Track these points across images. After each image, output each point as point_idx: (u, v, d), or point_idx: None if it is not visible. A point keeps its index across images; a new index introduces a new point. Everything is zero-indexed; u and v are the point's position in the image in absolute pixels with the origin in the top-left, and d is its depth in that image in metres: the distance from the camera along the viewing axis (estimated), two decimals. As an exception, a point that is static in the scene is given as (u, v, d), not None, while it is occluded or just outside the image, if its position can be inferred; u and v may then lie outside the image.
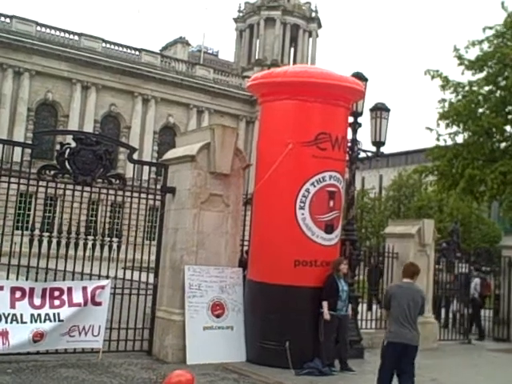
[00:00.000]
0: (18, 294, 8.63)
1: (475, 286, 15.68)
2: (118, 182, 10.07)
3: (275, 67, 15.15)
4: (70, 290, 8.96)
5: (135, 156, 11.16)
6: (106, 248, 9.99)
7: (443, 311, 15.46)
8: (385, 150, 13.18)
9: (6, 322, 8.42)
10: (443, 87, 19.81)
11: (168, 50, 62.43)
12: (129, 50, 53.35)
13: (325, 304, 9.52)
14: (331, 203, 10.08)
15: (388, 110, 12.77)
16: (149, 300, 10.08)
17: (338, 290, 9.68)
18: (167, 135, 52.30)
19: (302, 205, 9.85)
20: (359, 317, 11.95)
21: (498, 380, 9.15)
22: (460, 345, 14.28)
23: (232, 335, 9.84)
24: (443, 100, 19.82)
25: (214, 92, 55.29)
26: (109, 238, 10.09)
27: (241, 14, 67.56)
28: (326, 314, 9.46)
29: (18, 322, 8.50)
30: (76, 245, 9.67)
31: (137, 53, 53.36)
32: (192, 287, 9.71)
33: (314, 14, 66.18)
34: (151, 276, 10.38)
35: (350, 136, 11.69)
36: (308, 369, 9.17)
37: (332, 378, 9.10)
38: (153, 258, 10.45)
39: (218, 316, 9.83)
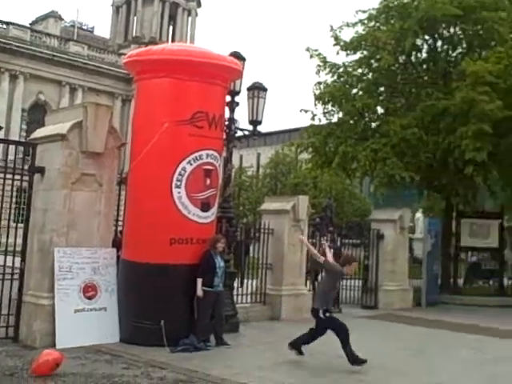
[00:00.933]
0: None
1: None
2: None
3: (153, 45, 14.86)
4: None
5: (1, 135, 10.60)
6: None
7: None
8: (262, 128, 13.42)
9: None
10: (320, 67, 20.35)
11: (39, 25, 59.31)
12: (-5, 24, 50.19)
13: (199, 281, 9.58)
14: (208, 181, 10.11)
15: (265, 90, 12.96)
16: (15, 285, 9.62)
17: (214, 267, 9.78)
18: (37, 113, 49.60)
19: (179, 183, 9.81)
20: (234, 292, 12.16)
21: (363, 343, 9.61)
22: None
23: (105, 316, 9.64)
24: (319, 83, 20.39)
25: (88, 69, 53.35)
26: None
27: (117, -11, 65.45)
28: (199, 291, 9.53)
29: None
30: None
31: (4, 26, 50.28)
32: (62, 269, 9.37)
33: (192, -7, 65.46)
34: (17, 260, 9.90)
35: (227, 115, 11.75)
36: (183, 345, 9.19)
37: (207, 353, 9.19)
38: (19, 241, 9.97)
39: (90, 298, 9.58)
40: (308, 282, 15.13)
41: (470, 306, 17.77)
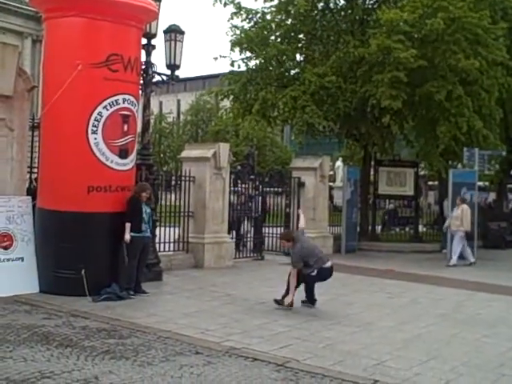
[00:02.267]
0: None
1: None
2: None
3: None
4: None
5: None
6: None
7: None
8: (182, 74, 13.09)
9: None
10: (235, 14, 19.94)
11: None
12: None
13: (127, 225, 9.43)
14: (125, 127, 9.80)
15: (182, 33, 12.58)
16: None
17: (141, 213, 9.67)
18: None
19: (95, 129, 9.45)
20: (157, 240, 12.03)
21: (282, 288, 9.78)
22: (254, 261, 15.09)
23: (22, 266, 9.36)
24: (235, 27, 19.97)
25: (-7, 6, 50.22)
26: None
27: None
28: (127, 235, 9.38)
29: None
30: None
31: None
32: (-26, 219, 8.99)
33: None
34: None
35: (143, 58, 11.35)
36: (105, 294, 9.05)
37: (130, 302, 9.10)
38: None
39: (5, 248, 9.27)
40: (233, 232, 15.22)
41: (388, 253, 18.43)
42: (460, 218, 16.49)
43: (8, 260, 9.26)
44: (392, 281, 12.94)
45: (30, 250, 9.55)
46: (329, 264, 9.34)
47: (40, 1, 10.29)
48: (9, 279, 9.10)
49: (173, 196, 14.84)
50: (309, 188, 17.18)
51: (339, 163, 35.19)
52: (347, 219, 18.75)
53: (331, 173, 21.73)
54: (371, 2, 20.84)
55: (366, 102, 18.10)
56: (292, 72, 20.97)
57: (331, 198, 23.22)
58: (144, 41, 11.29)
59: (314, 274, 9.11)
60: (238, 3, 19.84)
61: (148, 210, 9.90)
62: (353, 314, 9.18)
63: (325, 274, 9.27)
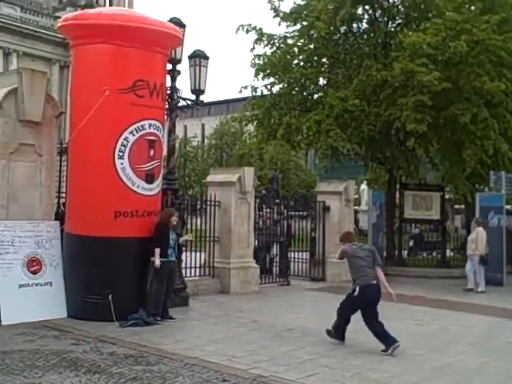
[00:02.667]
0: None
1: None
2: None
3: (89, 8, 14.31)
4: None
5: None
6: None
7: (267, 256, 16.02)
8: (206, 98, 13.17)
9: None
10: (258, 40, 20.10)
11: (-35, -15, 56.39)
12: None
13: (157, 251, 9.45)
14: (151, 152, 9.88)
15: (207, 58, 12.68)
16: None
17: (168, 238, 9.70)
18: (-31, 80, 47.76)
19: (121, 154, 9.53)
20: (183, 265, 12.02)
21: (314, 316, 9.73)
22: (280, 286, 14.98)
23: (51, 291, 9.41)
24: (258, 55, 20.13)
25: (22, 33, 51.22)
26: None
27: (48, -51, 62.76)
28: (157, 260, 9.39)
29: None
30: None
31: None
32: (4, 243, 9.08)
33: (130, -45, 63.52)
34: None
35: (169, 84, 11.46)
36: (132, 320, 9.05)
37: (157, 328, 9.08)
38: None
39: (34, 272, 9.33)
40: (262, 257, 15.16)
41: (415, 278, 18.16)
42: (475, 241, 16.10)
43: (37, 285, 9.31)
44: (420, 307, 12.72)
45: (59, 275, 9.60)
46: (373, 282, 8.38)
47: (68, 28, 10.42)
48: (38, 304, 9.13)
49: (198, 220, 14.83)
50: (334, 212, 17.06)
51: (364, 186, 34.99)
52: (373, 244, 18.54)
53: (356, 196, 21.59)
54: (393, 25, 20.88)
55: (390, 125, 18.03)
56: (315, 96, 21.02)
57: (356, 221, 23.10)
58: (169, 66, 11.40)
59: (356, 293, 8.35)
60: (260, 29, 20.00)
61: (174, 236, 9.92)
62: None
63: (368, 293, 8.32)
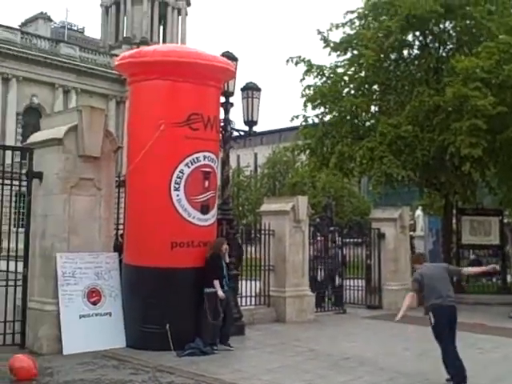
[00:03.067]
0: None
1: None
2: (-22, 168, 9.40)
3: (144, 45, 14.82)
4: None
5: (-3, 140, 10.49)
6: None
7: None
8: (258, 128, 13.33)
9: None
10: (307, 72, 20.27)
11: (28, 26, 58.94)
12: (-17, 26, 49.89)
13: (216, 283, 9.61)
14: (206, 183, 10.06)
15: (259, 90, 12.87)
16: (18, 291, 9.54)
17: (222, 269, 9.84)
18: (32, 117, 49.48)
19: (177, 186, 9.75)
20: (239, 294, 12.09)
21: (372, 345, 9.60)
22: (336, 315, 14.85)
23: (110, 321, 9.60)
24: (308, 86, 20.29)
25: (80, 71, 53.17)
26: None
27: (106, -10, 65.16)
28: (219, 291, 9.53)
29: None
30: None
31: (-7, 29, 50.04)
32: (65, 275, 9.34)
33: (182, -8, 65.33)
34: (20, 265, 9.82)
35: (222, 116, 11.67)
36: (189, 349, 9.15)
37: (214, 357, 9.15)
38: (21, 246, 9.90)
39: (94, 303, 9.55)
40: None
41: (474, 305, 17.66)
42: None
43: (97, 315, 9.52)
44: (482, 335, 12.37)
45: (118, 305, 9.79)
46: (445, 302, 7.89)
47: (125, 66, 10.78)
48: (97, 334, 9.34)
49: (252, 249, 14.91)
50: (389, 239, 16.88)
51: (419, 212, 34.38)
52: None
53: (411, 222, 21.27)
54: (445, 50, 20.72)
55: (444, 150, 17.79)
56: (367, 123, 20.97)
57: (412, 248, 22.70)
58: (222, 99, 11.61)
59: (432, 322, 7.93)
60: (309, 61, 20.16)
61: (225, 265, 10.03)
62: (442, 370, 8.81)
63: (441, 314, 7.86)
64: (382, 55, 19.63)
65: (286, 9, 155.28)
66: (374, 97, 20.90)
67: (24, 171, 10.16)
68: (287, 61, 20.25)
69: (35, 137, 10.52)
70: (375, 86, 20.92)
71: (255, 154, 71.96)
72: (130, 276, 9.89)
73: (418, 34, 20.42)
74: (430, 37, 20.46)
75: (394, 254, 16.78)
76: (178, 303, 9.45)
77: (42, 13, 61.21)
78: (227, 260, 10.44)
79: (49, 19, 61.30)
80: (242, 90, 12.74)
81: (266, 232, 13.57)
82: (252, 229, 15.01)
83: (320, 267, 15.01)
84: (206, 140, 10.13)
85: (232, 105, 12.22)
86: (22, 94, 49.84)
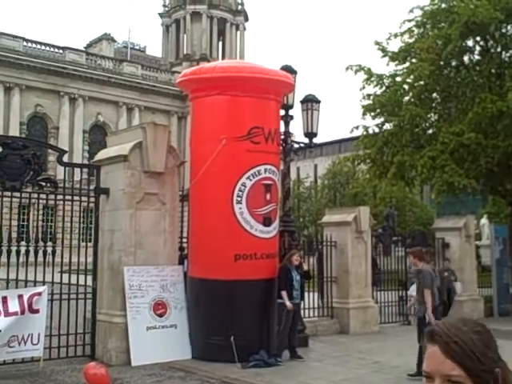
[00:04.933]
0: (-50, 307, 8.30)
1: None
2: (48, 185, 9.81)
3: (204, 61, 15.16)
4: (4, 299, 8.68)
5: (65, 156, 10.91)
6: (41, 253, 9.73)
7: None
8: (318, 139, 13.38)
9: None
10: (367, 80, 20.17)
11: (93, 48, 61.11)
12: (52, 49, 51.98)
13: (284, 294, 9.72)
14: (268, 196, 10.15)
15: (318, 102, 12.92)
16: (88, 304, 9.88)
17: (292, 280, 9.92)
18: (97, 134, 51.30)
19: (239, 199, 9.88)
20: (302, 305, 12.09)
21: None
22: (400, 326, 14.65)
23: (176, 333, 9.79)
24: (367, 95, 20.19)
25: (143, 88, 54.59)
26: (43, 243, 9.83)
27: (166, 9, 66.80)
28: (287, 302, 9.61)
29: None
30: (8, 252, 9.35)
31: (60, 51, 52.05)
32: (132, 288, 9.60)
33: (240, 7, 66.26)
34: (89, 278, 10.17)
35: (282, 129, 11.77)
36: (254, 361, 9.23)
37: (278, 369, 9.19)
38: (90, 260, 10.24)
39: (160, 315, 9.76)
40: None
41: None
42: None
43: (163, 327, 9.72)
44: None
45: (183, 318, 9.98)
46: None
47: (187, 83, 11.02)
48: (164, 345, 9.54)
49: (314, 260, 14.89)
50: (454, 248, 16.57)
51: (484, 220, 33.53)
52: (498, 280, 17.76)
53: (476, 231, 20.78)
54: (507, 54, 20.23)
55: (510, 156, 17.37)
56: (428, 131, 20.67)
57: (478, 257, 22.14)
58: (282, 112, 11.71)
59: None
60: (369, 69, 20.07)
61: (298, 278, 10.11)
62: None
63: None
64: (441, 62, 19.35)
65: (342, 20, 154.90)
66: (434, 105, 20.59)
67: (91, 187, 10.52)
68: (347, 68, 20.22)
69: (102, 154, 10.88)
70: (435, 94, 20.63)
71: (315, 166, 71.73)
72: (195, 288, 10.06)
73: (478, 39, 20.05)
74: (491, 42, 20.04)
75: (459, 263, 16.44)
76: (241, 315, 9.55)
77: (105, 34, 63.32)
78: (304, 268, 10.52)
79: (112, 40, 63.31)
80: (302, 102, 12.82)
81: (328, 243, 13.56)
82: (313, 240, 14.98)
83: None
84: (267, 153, 10.23)
85: (292, 117, 12.31)
86: (87, 113, 51.59)
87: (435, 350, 1.53)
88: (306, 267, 10.73)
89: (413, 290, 14.24)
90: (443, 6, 20.06)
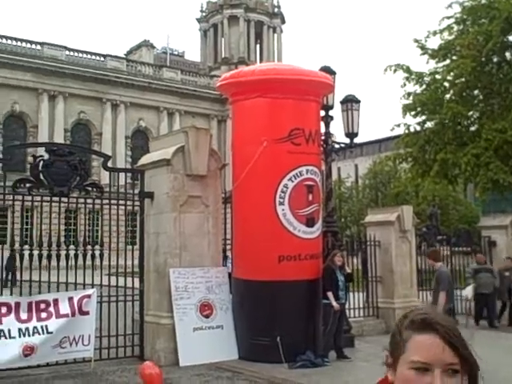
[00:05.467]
0: (3, 310, 8.58)
1: None
2: (94, 190, 10.04)
3: (242, 65, 15.27)
4: (56, 301, 8.94)
5: (109, 162, 11.13)
6: (89, 256, 9.97)
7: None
8: (358, 139, 13.34)
9: (-5, 338, 8.39)
10: (407, 79, 20.01)
11: (133, 54, 62.06)
12: (93, 57, 52.99)
13: (330, 294, 9.79)
14: (310, 197, 10.15)
15: (358, 102, 12.87)
16: (136, 305, 10.07)
17: (337, 281, 9.99)
18: (139, 139, 52.07)
19: (282, 200, 9.91)
20: (347, 306, 12.06)
21: (488, 357, 9.21)
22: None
23: (222, 334, 9.90)
24: (408, 94, 20.03)
25: (183, 93, 55.14)
26: (90, 246, 10.07)
27: (203, 14, 67.36)
28: (334, 302, 9.69)
29: (6, 338, 8.45)
30: (58, 256, 9.62)
31: (102, 59, 53.01)
32: (178, 289, 9.74)
33: (276, 10, 66.32)
34: (135, 280, 10.36)
35: (323, 129, 11.77)
36: (301, 361, 9.24)
37: (325, 369, 9.19)
38: (135, 262, 10.42)
39: (206, 316, 9.88)
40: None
41: None
42: None
43: (209, 328, 9.84)
44: None
45: (229, 318, 10.08)
46: None
47: (226, 86, 11.12)
48: (211, 346, 9.65)
49: (358, 260, 14.81)
50: (501, 247, 16.27)
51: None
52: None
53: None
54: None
55: (557, 152, 17.00)
56: (471, 128, 20.39)
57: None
58: (322, 113, 11.72)
59: None
60: (408, 68, 19.90)
61: (342, 278, 10.15)
62: None
63: None
64: (482, 59, 19.07)
65: (379, 18, 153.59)
66: (476, 102, 20.31)
67: (136, 191, 10.71)
68: (385, 69, 20.14)
69: (145, 159, 11.07)
70: (477, 91, 20.34)
71: (356, 166, 71.29)
72: (240, 290, 10.15)
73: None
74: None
75: (507, 262, 16.10)
76: (287, 315, 9.58)
77: (145, 40, 64.23)
78: (348, 270, 10.53)
79: (151, 46, 64.16)
80: (342, 102, 12.79)
81: (372, 243, 13.49)
82: (356, 240, 14.93)
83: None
84: (308, 154, 10.24)
85: (332, 118, 12.30)
86: (129, 119, 52.40)
87: (435, 339, 1.50)
88: (348, 269, 10.68)
89: (468, 291, 14.05)
90: (483, 1, 19.78)
